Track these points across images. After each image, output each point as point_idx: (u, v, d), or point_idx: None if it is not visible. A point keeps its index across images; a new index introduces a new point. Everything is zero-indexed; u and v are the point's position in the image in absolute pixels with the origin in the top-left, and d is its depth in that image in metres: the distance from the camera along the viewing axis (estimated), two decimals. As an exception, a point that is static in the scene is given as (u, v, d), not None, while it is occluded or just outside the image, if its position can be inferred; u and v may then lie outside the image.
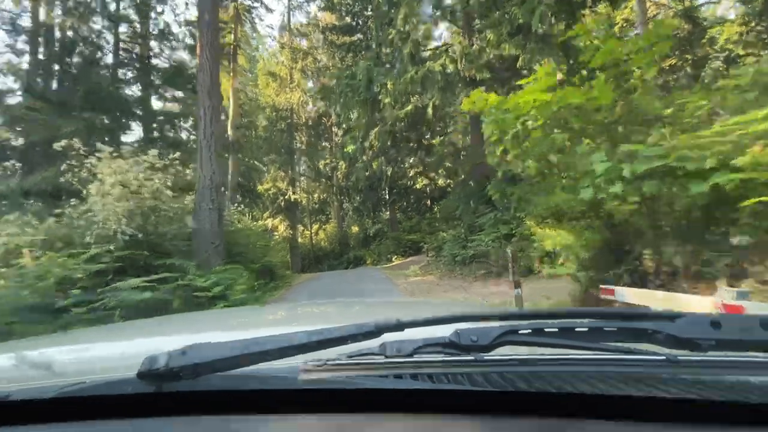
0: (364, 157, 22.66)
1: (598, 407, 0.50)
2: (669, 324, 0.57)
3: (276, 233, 20.24)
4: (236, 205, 18.14)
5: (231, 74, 20.87)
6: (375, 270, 18.31)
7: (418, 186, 31.96)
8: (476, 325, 0.62)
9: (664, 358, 0.55)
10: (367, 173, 22.29)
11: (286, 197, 20.45)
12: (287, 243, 20.74)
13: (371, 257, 23.89)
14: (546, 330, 0.60)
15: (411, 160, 26.05)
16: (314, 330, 0.61)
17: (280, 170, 20.96)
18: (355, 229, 30.50)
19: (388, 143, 19.62)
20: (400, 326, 0.62)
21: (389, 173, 22.85)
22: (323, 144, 27.72)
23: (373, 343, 0.63)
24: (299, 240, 35.19)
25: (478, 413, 0.53)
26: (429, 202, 32.17)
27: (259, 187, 20.26)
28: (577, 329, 0.60)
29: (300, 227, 36.95)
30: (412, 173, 31.03)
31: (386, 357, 0.59)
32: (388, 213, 27.04)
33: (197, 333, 1.20)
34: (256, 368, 0.59)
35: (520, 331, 0.60)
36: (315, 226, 36.38)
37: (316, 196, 29.30)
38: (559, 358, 0.58)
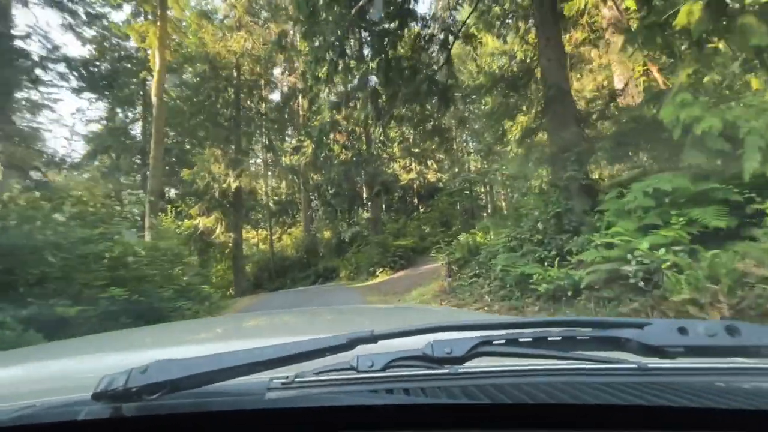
0: (338, 136, 17.14)
1: (574, 417, 0.51)
2: (639, 332, 0.58)
3: (212, 237, 14.21)
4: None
5: (157, 19, 14.89)
6: (352, 291, 12.70)
7: (402, 180, 26.68)
8: (451, 336, 0.60)
9: (635, 366, 0.58)
10: (342, 154, 16.79)
11: (224, 186, 14.23)
12: (229, 251, 14.82)
13: (347, 269, 18.26)
14: (520, 340, 0.60)
15: (405, 135, 20.75)
16: (284, 344, 0.59)
17: (218, 148, 14.71)
18: (326, 233, 24.69)
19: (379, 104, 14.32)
20: (373, 338, 0.61)
21: (375, 149, 17.38)
22: (287, 123, 21.94)
23: (346, 357, 0.60)
24: (258, 247, 29.31)
25: (453, 428, 0.52)
26: (416, 200, 26.92)
27: (185, 172, 14.06)
28: (550, 338, 0.60)
29: (260, 231, 31.09)
30: (399, 164, 25.76)
31: (358, 372, 0.58)
32: (367, 212, 21.46)
33: (159, 348, 1.16)
34: (223, 386, 0.56)
35: (494, 342, 0.59)
36: (279, 230, 30.44)
37: (278, 188, 23.31)
38: (532, 369, 0.59)
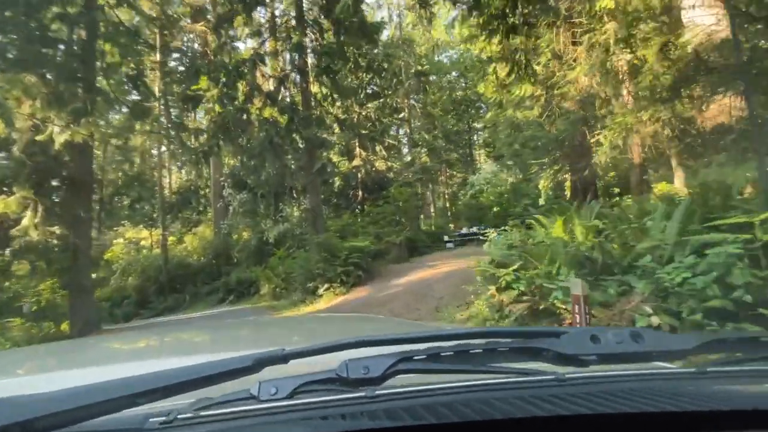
0: (262, 82, 11.55)
1: None
2: (556, 341, 0.57)
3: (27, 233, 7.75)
4: None
5: None
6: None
7: (344, 168, 21.54)
8: (370, 351, 0.57)
9: (553, 377, 0.58)
10: (267, 111, 11.34)
11: (42, 140, 7.58)
12: (67, 259, 8.51)
13: (271, 283, 12.67)
14: (442, 355, 0.57)
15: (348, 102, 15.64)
16: (173, 370, 0.52)
17: (35, 76, 7.87)
18: (243, 233, 18.60)
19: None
20: (283, 358, 0.55)
21: (316, 110, 12.15)
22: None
23: (251, 380, 0.53)
24: (151, 251, 21.82)
25: None
26: (361, 192, 21.94)
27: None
28: (471, 351, 0.59)
29: (155, 231, 23.37)
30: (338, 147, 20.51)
31: (260, 401, 0.51)
32: (302, 204, 15.93)
33: (12, 377, 0.95)
34: (96, 423, 0.48)
35: (415, 358, 0.56)
36: (182, 229, 23.40)
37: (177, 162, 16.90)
38: (454, 386, 0.57)
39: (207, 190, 21.41)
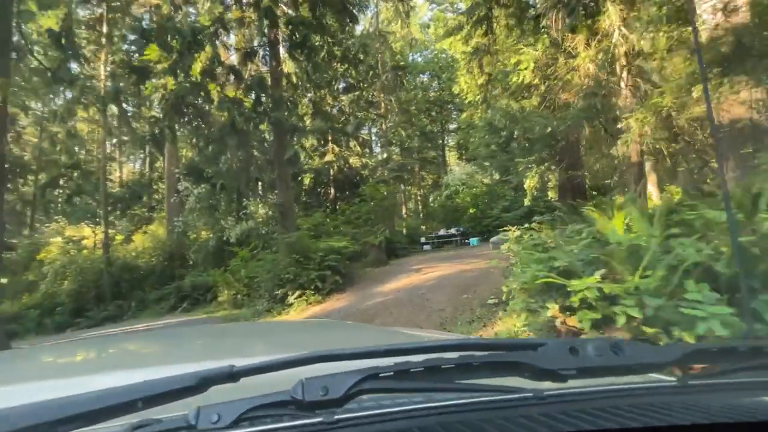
0: (223, 56, 9.99)
1: None
2: (533, 354, 0.55)
3: None
4: None
5: None
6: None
7: (315, 164, 19.98)
8: (331, 368, 0.50)
9: (531, 395, 0.55)
10: (231, 89, 9.86)
11: None
12: None
13: (231, 288, 11.03)
14: (411, 371, 0.52)
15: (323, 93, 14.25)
16: (99, 392, 0.44)
17: None
18: (202, 232, 16.65)
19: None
20: (232, 376, 0.48)
21: (286, 90, 10.78)
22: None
23: (195, 402, 0.47)
24: (95, 251, 19.06)
25: None
26: (333, 190, 20.43)
27: None
28: (444, 366, 0.54)
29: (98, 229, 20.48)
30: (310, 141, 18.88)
31: (197, 431, 0.45)
32: (267, 200, 14.29)
33: None
34: None
35: (381, 375, 0.50)
36: (131, 227, 20.90)
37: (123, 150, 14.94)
38: (424, 407, 0.54)
39: (161, 184, 19.27)
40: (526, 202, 14.88)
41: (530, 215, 18.78)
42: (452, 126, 30.28)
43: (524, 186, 15.46)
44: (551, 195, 13.49)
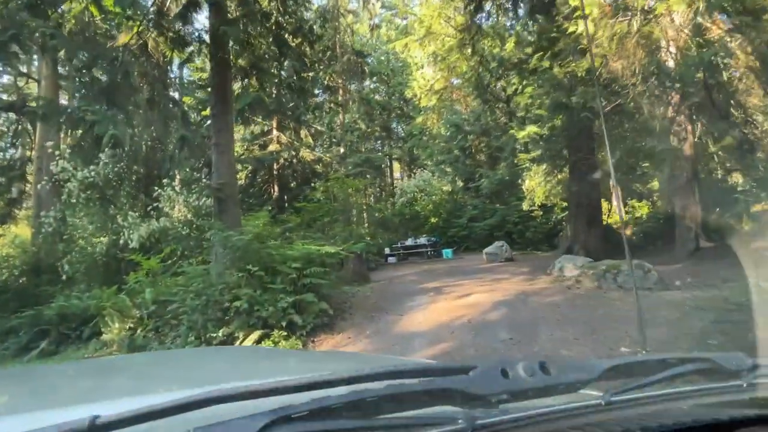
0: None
1: None
2: (465, 379, 0.52)
3: None
4: None
5: None
6: None
7: (255, 153, 15.88)
8: (232, 409, 0.43)
9: (464, 425, 0.52)
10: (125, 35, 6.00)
11: None
12: None
13: (126, 321, 6.86)
14: (331, 407, 0.46)
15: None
16: None
17: None
18: (85, 233, 11.65)
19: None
20: (95, 430, 0.39)
21: None
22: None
23: None
24: None
25: None
26: (276, 188, 16.39)
27: None
28: (369, 399, 0.49)
29: None
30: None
31: None
32: (192, 189, 10.08)
33: None
34: None
35: (293, 415, 0.44)
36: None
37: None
38: None
39: (30, 167, 13.81)
40: (525, 206, 12.59)
41: (502, 225, 16.68)
42: (401, 133, 27.73)
43: (523, 188, 13.17)
44: (554, 200, 11.34)
